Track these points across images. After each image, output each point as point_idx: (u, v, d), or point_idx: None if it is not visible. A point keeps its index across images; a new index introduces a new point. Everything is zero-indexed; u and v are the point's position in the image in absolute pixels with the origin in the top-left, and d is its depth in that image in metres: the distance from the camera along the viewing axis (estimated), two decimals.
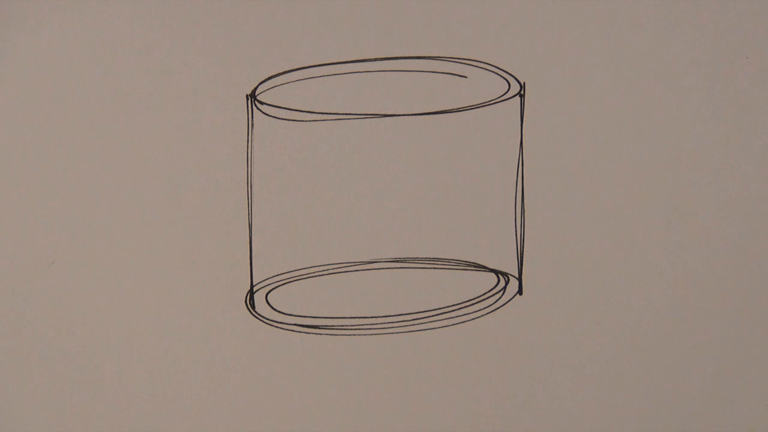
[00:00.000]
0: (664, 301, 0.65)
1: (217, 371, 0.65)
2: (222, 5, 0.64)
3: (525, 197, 0.65)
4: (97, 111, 0.65)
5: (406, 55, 0.64)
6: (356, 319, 0.65)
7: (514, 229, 0.65)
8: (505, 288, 0.66)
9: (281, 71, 0.64)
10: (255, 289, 0.65)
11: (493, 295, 0.66)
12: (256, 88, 0.64)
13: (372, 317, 0.65)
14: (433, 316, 0.65)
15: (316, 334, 0.65)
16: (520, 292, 0.65)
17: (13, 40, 0.65)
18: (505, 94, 0.65)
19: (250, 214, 0.65)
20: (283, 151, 0.65)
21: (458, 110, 0.65)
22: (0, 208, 0.65)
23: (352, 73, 0.64)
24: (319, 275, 0.65)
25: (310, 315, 0.66)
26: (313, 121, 0.65)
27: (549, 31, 0.64)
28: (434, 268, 0.66)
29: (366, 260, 0.65)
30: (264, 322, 0.66)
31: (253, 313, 0.65)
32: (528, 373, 0.65)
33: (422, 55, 0.65)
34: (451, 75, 0.65)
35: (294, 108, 0.65)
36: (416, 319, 0.65)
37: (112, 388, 0.66)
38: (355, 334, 0.65)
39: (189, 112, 0.65)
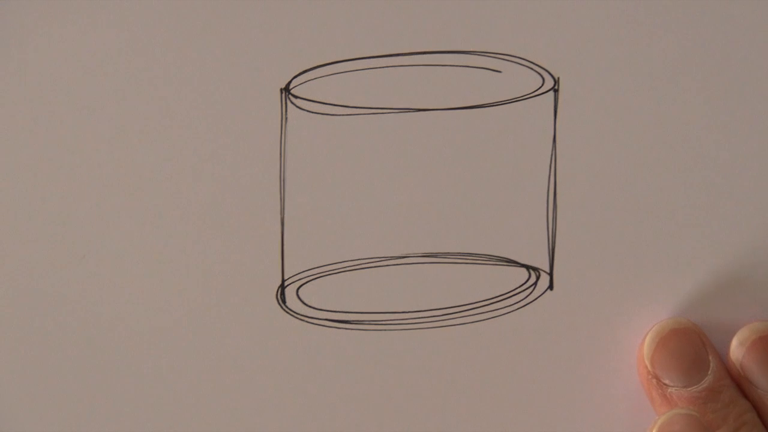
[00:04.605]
0: (696, 299, 0.65)
1: (247, 366, 0.65)
2: None
3: (557, 193, 0.65)
4: (130, 105, 0.64)
5: (441, 50, 0.64)
6: (387, 314, 0.65)
7: (546, 224, 0.65)
8: (536, 283, 0.66)
9: (315, 65, 0.64)
10: (286, 283, 0.65)
11: (524, 290, 0.66)
12: (290, 82, 0.64)
13: (403, 312, 0.65)
14: (463, 311, 0.65)
15: (347, 329, 0.65)
16: (550, 287, 0.65)
17: (62, 33, 0.64)
18: (539, 89, 0.64)
19: (282, 209, 0.65)
20: (316, 146, 0.65)
21: (492, 105, 0.64)
22: (34, 204, 0.65)
23: (386, 67, 0.64)
24: (351, 270, 0.65)
25: (341, 310, 0.65)
26: (347, 115, 0.64)
27: (584, 26, 0.64)
28: (465, 263, 0.65)
29: (397, 255, 0.65)
30: (295, 316, 0.65)
31: (284, 307, 0.65)
32: (558, 368, 0.65)
33: (456, 49, 0.64)
34: (485, 70, 0.64)
35: (328, 102, 0.64)
36: (447, 314, 0.65)
37: (142, 380, 0.65)
38: (386, 329, 0.65)
39: (223, 106, 0.64)
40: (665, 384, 0.61)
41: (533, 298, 0.66)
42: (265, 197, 0.65)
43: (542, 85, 0.64)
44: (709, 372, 0.61)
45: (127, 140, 0.64)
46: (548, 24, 0.64)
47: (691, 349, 0.61)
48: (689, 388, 0.60)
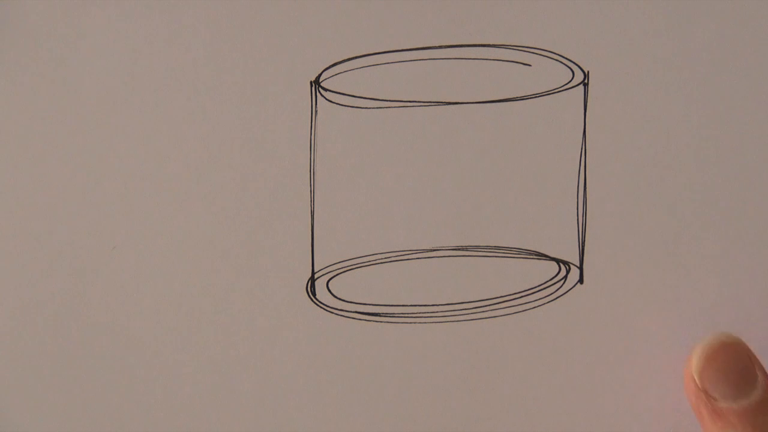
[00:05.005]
0: (727, 293, 0.64)
1: (278, 358, 0.65)
2: None
3: (587, 186, 0.65)
4: (163, 98, 0.65)
5: (471, 43, 0.64)
6: (417, 307, 0.65)
7: (576, 218, 0.65)
8: (566, 277, 0.65)
9: (345, 58, 0.64)
10: (316, 276, 0.65)
11: (554, 283, 0.65)
12: (320, 75, 0.64)
13: (433, 305, 0.65)
14: (494, 304, 0.65)
15: (377, 321, 0.65)
16: (581, 281, 0.65)
17: (90, 30, 0.65)
18: (569, 82, 0.64)
19: (312, 202, 0.65)
20: (346, 138, 0.65)
21: (522, 98, 0.64)
22: (66, 196, 0.65)
23: (416, 60, 0.64)
24: (381, 263, 0.65)
25: (371, 303, 0.66)
26: (377, 108, 0.65)
27: (614, 20, 0.64)
28: (495, 256, 0.65)
29: (427, 248, 0.65)
30: (325, 309, 0.65)
31: (314, 300, 0.65)
32: (588, 362, 0.65)
33: (486, 43, 0.64)
34: (516, 63, 0.64)
35: (358, 95, 0.64)
36: (477, 307, 0.65)
37: (172, 372, 0.66)
38: (416, 322, 0.65)
39: (253, 99, 0.64)
40: (713, 398, 0.61)
41: (563, 292, 0.65)
42: (295, 190, 0.65)
43: (572, 78, 0.64)
44: (758, 385, 0.61)
45: (159, 133, 0.65)
46: (578, 18, 0.64)
47: (739, 362, 0.61)
48: (738, 401, 0.60)
